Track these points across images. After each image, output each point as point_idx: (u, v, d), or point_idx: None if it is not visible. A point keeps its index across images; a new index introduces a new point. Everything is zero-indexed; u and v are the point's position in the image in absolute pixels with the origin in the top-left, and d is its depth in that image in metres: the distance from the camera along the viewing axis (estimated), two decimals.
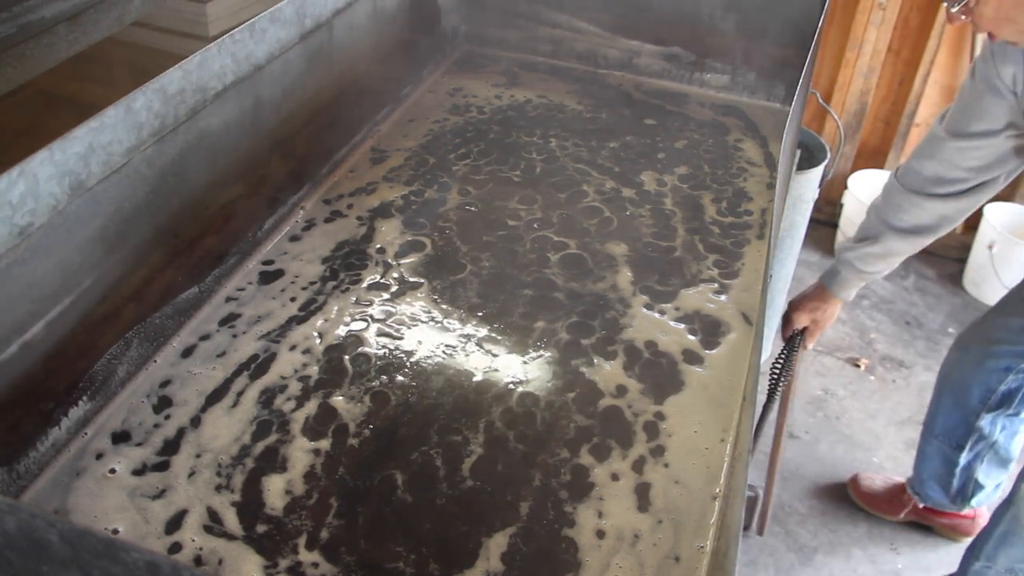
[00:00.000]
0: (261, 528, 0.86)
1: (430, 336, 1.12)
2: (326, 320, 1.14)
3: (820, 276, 1.73)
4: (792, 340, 1.70)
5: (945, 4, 1.22)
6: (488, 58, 1.87)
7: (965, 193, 1.54)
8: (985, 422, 1.86)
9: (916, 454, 2.07)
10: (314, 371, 1.06)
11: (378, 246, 1.28)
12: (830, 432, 2.43)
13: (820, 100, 2.17)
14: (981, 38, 2.76)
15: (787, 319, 1.75)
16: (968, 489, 2.00)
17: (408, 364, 1.07)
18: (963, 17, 1.23)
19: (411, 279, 1.22)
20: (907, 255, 1.66)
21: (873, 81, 2.97)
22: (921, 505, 2.11)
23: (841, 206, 3.07)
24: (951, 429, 1.92)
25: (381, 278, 1.22)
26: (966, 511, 2.07)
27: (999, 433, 1.88)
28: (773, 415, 1.77)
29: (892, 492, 2.17)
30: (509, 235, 1.32)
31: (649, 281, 1.24)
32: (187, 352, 1.07)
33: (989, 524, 1.76)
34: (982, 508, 2.06)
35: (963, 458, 1.94)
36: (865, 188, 3.04)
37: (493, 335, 1.13)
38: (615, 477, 0.94)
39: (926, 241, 1.62)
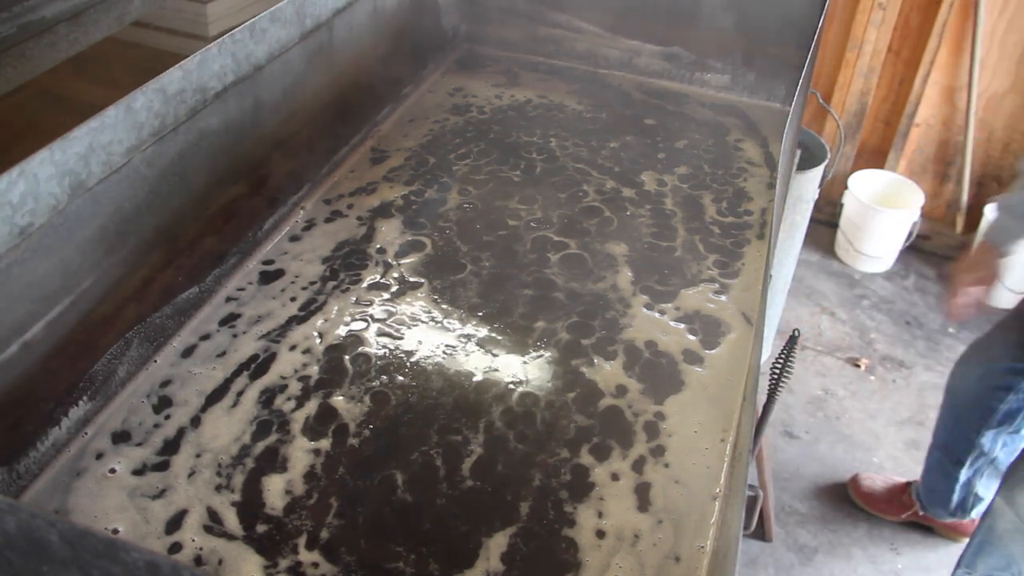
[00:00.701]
0: (261, 528, 0.86)
1: (430, 336, 1.12)
2: (326, 320, 1.14)
3: (982, 235, 1.65)
4: (792, 340, 1.70)
5: None
6: (488, 58, 1.87)
7: None
8: (986, 439, 1.86)
9: (924, 461, 2.07)
10: (314, 371, 1.06)
11: (378, 246, 1.28)
12: (830, 432, 2.43)
13: (820, 100, 2.18)
14: (981, 36, 2.76)
15: (953, 279, 1.66)
16: (968, 503, 2.01)
17: (408, 364, 1.07)
18: None
19: (411, 279, 1.22)
20: None
21: (873, 81, 2.97)
22: (921, 513, 2.11)
23: (841, 206, 3.07)
24: (952, 443, 1.93)
25: (381, 278, 1.22)
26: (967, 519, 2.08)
27: (1000, 450, 1.88)
28: (774, 416, 1.77)
29: (892, 492, 2.17)
30: (509, 235, 1.32)
31: (649, 281, 1.24)
32: (187, 352, 1.08)
33: (972, 533, 1.77)
34: None
35: (963, 474, 1.94)
36: (865, 188, 3.04)
37: (493, 335, 1.13)
38: (615, 477, 0.94)
39: None
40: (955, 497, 1.99)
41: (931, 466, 2.02)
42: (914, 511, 2.11)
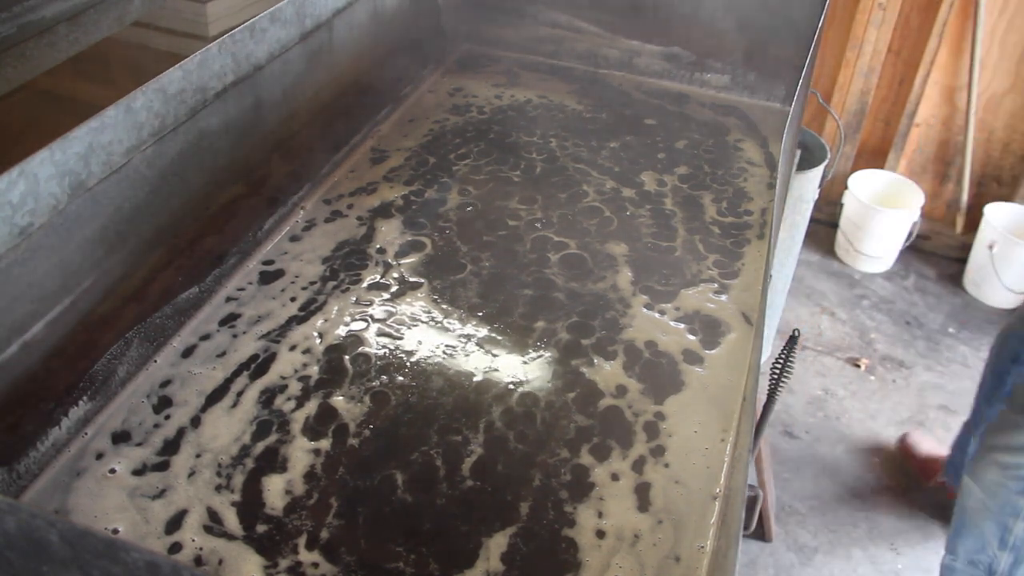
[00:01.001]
0: (261, 528, 0.86)
1: (430, 336, 1.12)
2: (326, 320, 1.14)
3: None
4: (792, 340, 1.70)
5: None
6: (488, 58, 1.87)
7: None
8: (993, 411, 1.90)
9: None
10: (314, 371, 1.06)
11: (378, 246, 1.28)
12: (830, 432, 2.43)
13: (820, 100, 2.18)
14: (981, 36, 2.77)
15: None
16: None
17: (408, 364, 1.07)
18: None
19: (411, 279, 1.22)
20: None
21: (873, 81, 2.98)
22: (942, 479, 2.17)
23: (841, 206, 3.07)
24: (973, 411, 2.00)
25: (381, 278, 1.22)
26: None
27: None
28: (774, 416, 1.78)
29: (931, 459, 2.24)
30: (509, 235, 1.32)
31: (649, 281, 1.24)
32: (187, 352, 1.07)
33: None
34: None
35: (971, 445, 2.00)
36: (865, 188, 3.04)
37: (493, 335, 1.13)
38: (615, 477, 0.94)
39: None
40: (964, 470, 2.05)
41: (958, 433, 2.10)
42: (940, 479, 2.18)
